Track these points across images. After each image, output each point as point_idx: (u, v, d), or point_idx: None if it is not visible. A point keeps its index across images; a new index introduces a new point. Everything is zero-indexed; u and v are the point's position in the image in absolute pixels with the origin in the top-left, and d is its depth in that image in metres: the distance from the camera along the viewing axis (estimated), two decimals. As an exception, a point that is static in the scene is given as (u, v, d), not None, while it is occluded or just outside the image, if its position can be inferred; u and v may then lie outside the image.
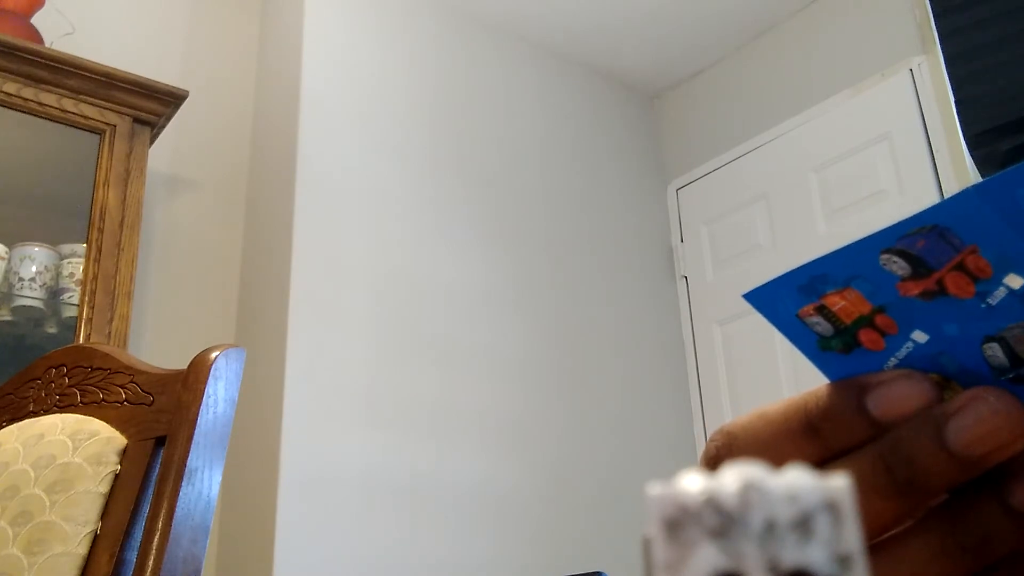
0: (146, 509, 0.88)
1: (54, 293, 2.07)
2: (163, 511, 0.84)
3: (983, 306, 0.24)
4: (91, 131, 2.13)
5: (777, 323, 0.27)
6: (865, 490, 0.24)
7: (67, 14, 2.38)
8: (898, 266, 0.24)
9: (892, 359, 0.26)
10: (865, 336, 0.26)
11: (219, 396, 0.91)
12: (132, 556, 0.86)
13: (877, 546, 0.25)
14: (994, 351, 0.25)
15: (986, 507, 0.25)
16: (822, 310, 0.26)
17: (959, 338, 0.25)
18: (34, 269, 2.05)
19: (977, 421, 0.24)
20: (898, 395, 0.25)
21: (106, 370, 1.00)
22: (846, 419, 0.25)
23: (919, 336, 0.25)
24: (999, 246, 0.23)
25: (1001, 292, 0.24)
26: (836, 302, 0.26)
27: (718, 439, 0.27)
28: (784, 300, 0.26)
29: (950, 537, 0.25)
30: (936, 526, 0.25)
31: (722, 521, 0.17)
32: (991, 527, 0.25)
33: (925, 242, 0.24)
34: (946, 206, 0.24)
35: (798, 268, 0.26)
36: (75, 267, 2.08)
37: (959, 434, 0.24)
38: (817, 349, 0.27)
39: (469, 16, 2.95)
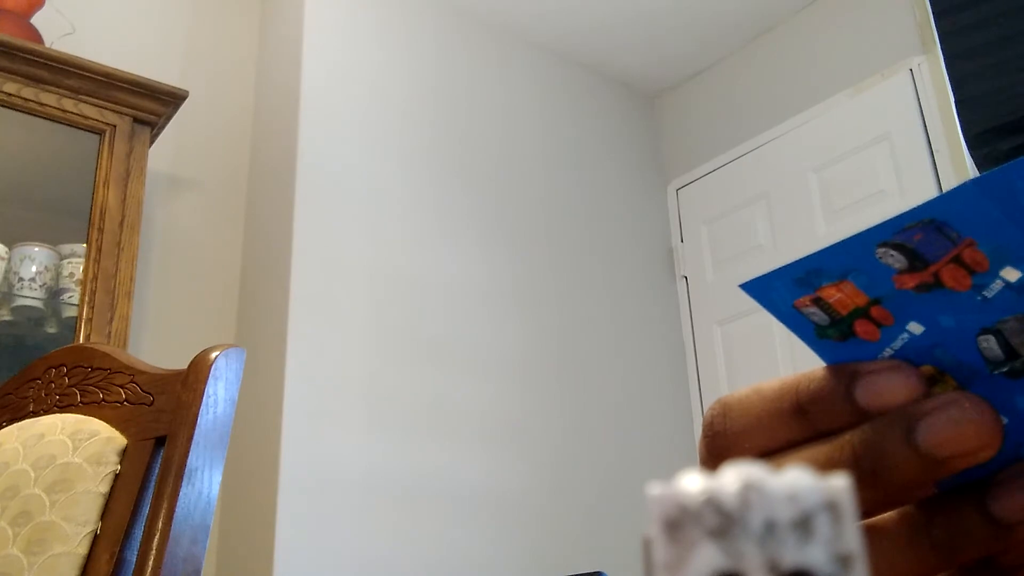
0: (146, 509, 0.88)
1: (54, 293, 2.07)
2: (163, 511, 0.84)
3: (979, 299, 0.25)
4: (91, 131, 2.13)
5: (774, 312, 0.27)
6: (826, 469, 0.25)
7: (67, 14, 2.38)
8: (895, 259, 0.25)
9: (887, 349, 0.26)
10: (860, 327, 0.26)
11: (219, 396, 0.91)
12: (132, 556, 0.86)
13: None
14: (989, 343, 0.25)
15: (965, 510, 0.25)
16: (818, 301, 0.26)
17: (954, 330, 0.26)
18: (34, 269, 2.05)
19: (947, 424, 0.24)
20: (885, 386, 0.25)
21: (106, 370, 1.00)
22: (834, 404, 0.26)
23: (915, 327, 0.26)
24: (996, 239, 0.24)
25: (998, 285, 0.24)
26: (832, 294, 0.26)
27: (716, 408, 0.28)
28: (780, 291, 0.27)
29: (923, 531, 0.26)
30: (910, 520, 0.26)
31: (722, 521, 0.17)
32: (966, 529, 0.25)
33: (922, 235, 0.24)
34: (944, 200, 0.24)
35: (794, 263, 0.26)
36: (75, 267, 2.08)
37: (927, 434, 0.24)
38: (814, 336, 0.27)
39: (469, 16, 2.95)
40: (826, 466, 0.25)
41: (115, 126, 2.14)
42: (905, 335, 0.26)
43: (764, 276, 0.26)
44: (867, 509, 0.26)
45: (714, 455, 0.28)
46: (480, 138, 2.81)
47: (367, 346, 2.33)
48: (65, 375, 1.04)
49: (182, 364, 0.95)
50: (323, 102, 2.50)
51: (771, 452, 0.27)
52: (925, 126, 2.59)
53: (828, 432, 0.26)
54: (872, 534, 0.26)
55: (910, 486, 0.25)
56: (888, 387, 0.25)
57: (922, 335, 0.26)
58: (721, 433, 0.28)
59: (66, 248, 2.11)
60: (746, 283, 0.27)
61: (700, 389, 3.00)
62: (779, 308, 0.27)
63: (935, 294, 0.25)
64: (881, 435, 0.25)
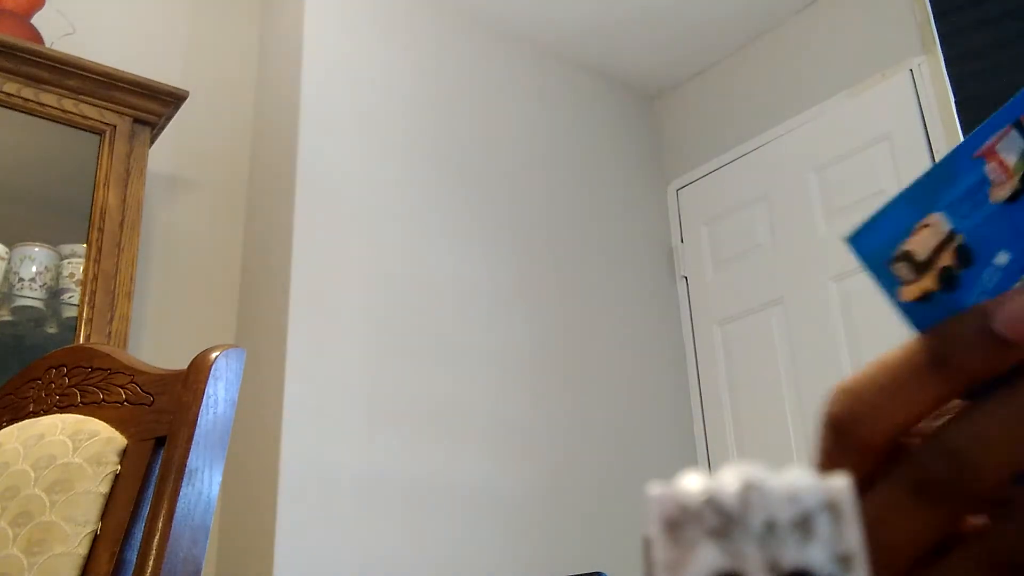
0: (146, 509, 0.88)
1: (54, 293, 2.07)
2: (163, 511, 0.84)
3: None
4: (91, 131, 2.13)
5: (871, 265, 0.26)
6: None
7: (67, 14, 2.38)
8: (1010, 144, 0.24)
9: (979, 295, 0.25)
10: (936, 276, 0.25)
11: (219, 396, 0.91)
12: (132, 556, 0.86)
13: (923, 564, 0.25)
14: None
15: None
16: (905, 255, 0.25)
17: None
18: (34, 269, 2.05)
19: None
20: (1022, 310, 0.24)
21: (106, 370, 1.00)
22: (975, 344, 0.24)
23: (1002, 258, 0.25)
24: None
25: None
26: (915, 239, 0.25)
27: (837, 397, 0.26)
28: (891, 228, 0.25)
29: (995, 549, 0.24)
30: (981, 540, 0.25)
31: (722, 521, 0.17)
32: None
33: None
34: None
35: (907, 189, 0.25)
36: (75, 267, 2.08)
37: None
38: (898, 298, 0.26)
39: (469, 16, 2.95)
40: None
41: (115, 126, 2.14)
42: (993, 271, 0.25)
43: (878, 214, 0.25)
44: None
45: (846, 446, 0.26)
46: (479, 138, 2.81)
47: (367, 346, 2.33)
48: (65, 375, 1.04)
49: (182, 364, 0.95)
50: (323, 102, 2.50)
51: (910, 423, 0.25)
52: (925, 126, 2.59)
53: (971, 381, 0.24)
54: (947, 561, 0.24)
55: None
56: None
57: (1011, 264, 0.25)
58: (851, 418, 0.25)
59: (66, 248, 2.11)
60: (857, 233, 0.25)
61: (700, 389, 3.00)
62: (880, 258, 0.25)
63: (1022, 202, 0.24)
64: None
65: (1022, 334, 0.24)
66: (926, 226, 0.25)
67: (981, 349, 0.24)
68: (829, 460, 0.26)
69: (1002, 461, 0.23)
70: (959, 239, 0.25)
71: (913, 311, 0.26)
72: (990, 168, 0.24)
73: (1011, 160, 0.24)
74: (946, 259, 0.25)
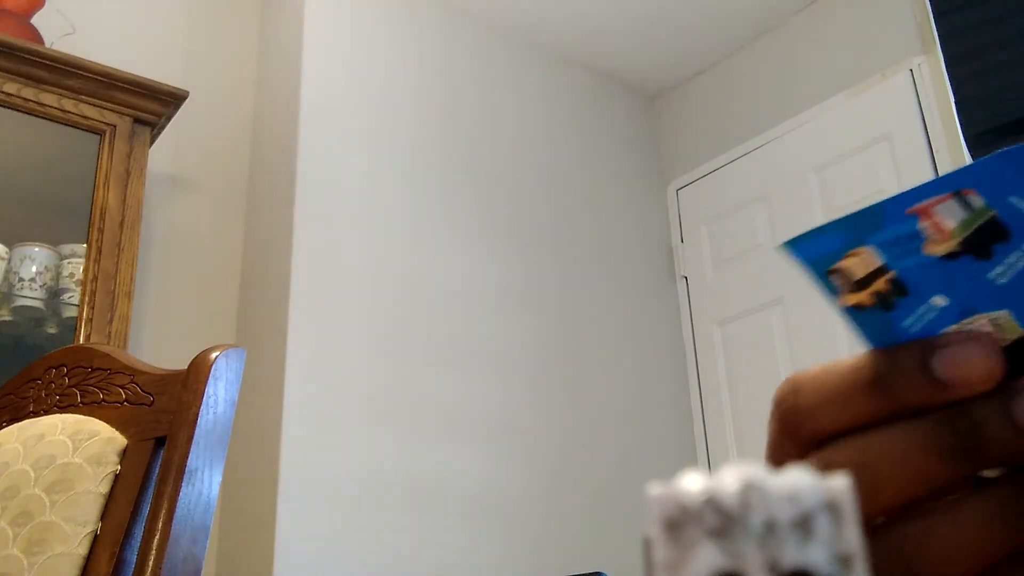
0: (146, 509, 0.88)
1: (54, 293, 2.07)
2: (163, 511, 0.84)
3: (994, 282, 0.25)
4: (91, 131, 2.13)
5: (812, 271, 0.27)
6: (925, 448, 0.25)
7: (67, 14, 2.38)
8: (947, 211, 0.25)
9: (911, 319, 0.26)
10: (869, 295, 0.26)
11: (219, 396, 0.91)
12: (132, 556, 0.86)
13: (932, 508, 0.26)
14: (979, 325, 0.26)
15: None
16: (840, 271, 0.27)
17: (963, 308, 0.26)
18: (34, 269, 2.05)
19: None
20: (963, 357, 0.25)
21: (106, 370, 1.00)
22: (913, 379, 0.26)
23: (939, 300, 0.26)
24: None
25: (1019, 263, 0.25)
26: (849, 262, 0.26)
27: (786, 385, 0.28)
28: (824, 247, 0.27)
29: (1012, 502, 0.25)
30: (999, 491, 0.26)
31: (722, 521, 0.17)
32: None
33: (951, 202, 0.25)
34: (972, 170, 0.24)
35: (843, 218, 0.26)
36: (75, 267, 2.08)
37: None
38: (837, 304, 0.27)
39: (468, 16, 2.95)
40: (924, 444, 0.25)
41: (115, 126, 2.14)
42: (929, 308, 0.26)
43: (812, 231, 0.26)
44: (952, 485, 0.26)
45: (785, 433, 0.28)
46: (478, 137, 2.81)
47: (367, 346, 2.33)
48: (65, 375, 1.04)
49: (182, 364, 0.95)
50: (323, 102, 2.50)
51: (842, 430, 0.27)
52: (925, 126, 2.59)
53: (904, 407, 0.26)
54: (956, 509, 0.26)
55: (1012, 460, 0.25)
56: (966, 358, 0.25)
57: (948, 309, 0.26)
58: (792, 409, 0.27)
59: (66, 248, 2.11)
60: (792, 240, 0.26)
61: (700, 389, 2.99)
62: (817, 268, 0.27)
63: (961, 262, 0.25)
64: (979, 409, 0.25)
65: (957, 379, 0.25)
66: (858, 254, 0.26)
67: (918, 385, 0.26)
68: (771, 444, 0.28)
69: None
70: (892, 274, 0.26)
71: (852, 315, 0.27)
72: (924, 226, 0.25)
73: (949, 225, 0.25)
74: (881, 285, 0.26)
